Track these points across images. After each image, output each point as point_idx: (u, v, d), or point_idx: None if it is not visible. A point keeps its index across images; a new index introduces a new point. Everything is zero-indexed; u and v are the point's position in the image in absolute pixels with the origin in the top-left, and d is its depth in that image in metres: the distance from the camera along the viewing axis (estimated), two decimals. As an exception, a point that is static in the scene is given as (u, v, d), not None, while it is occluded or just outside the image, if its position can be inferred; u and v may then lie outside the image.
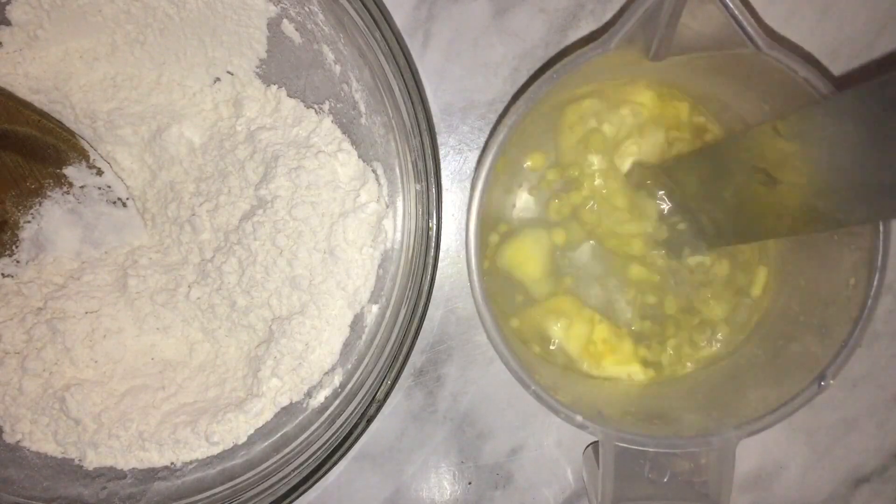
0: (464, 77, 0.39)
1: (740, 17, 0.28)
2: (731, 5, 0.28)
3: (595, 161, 0.36)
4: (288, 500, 0.33)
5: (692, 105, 0.36)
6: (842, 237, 0.31)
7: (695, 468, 0.31)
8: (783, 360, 0.33)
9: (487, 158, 0.30)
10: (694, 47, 0.29)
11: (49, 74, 0.35)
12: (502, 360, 0.31)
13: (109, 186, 0.36)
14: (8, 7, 0.34)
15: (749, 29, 0.28)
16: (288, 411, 0.36)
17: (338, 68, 0.36)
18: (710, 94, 0.36)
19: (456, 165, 0.39)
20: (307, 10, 0.35)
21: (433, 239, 0.33)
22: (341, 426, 0.34)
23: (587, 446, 0.39)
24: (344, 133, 0.36)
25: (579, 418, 0.30)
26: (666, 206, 0.36)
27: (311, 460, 0.33)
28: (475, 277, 0.31)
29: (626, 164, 0.36)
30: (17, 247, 0.36)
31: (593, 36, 0.39)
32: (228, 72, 0.37)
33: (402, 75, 0.32)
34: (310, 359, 0.36)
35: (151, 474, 0.36)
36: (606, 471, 0.31)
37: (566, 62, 0.30)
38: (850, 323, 0.30)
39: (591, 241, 0.36)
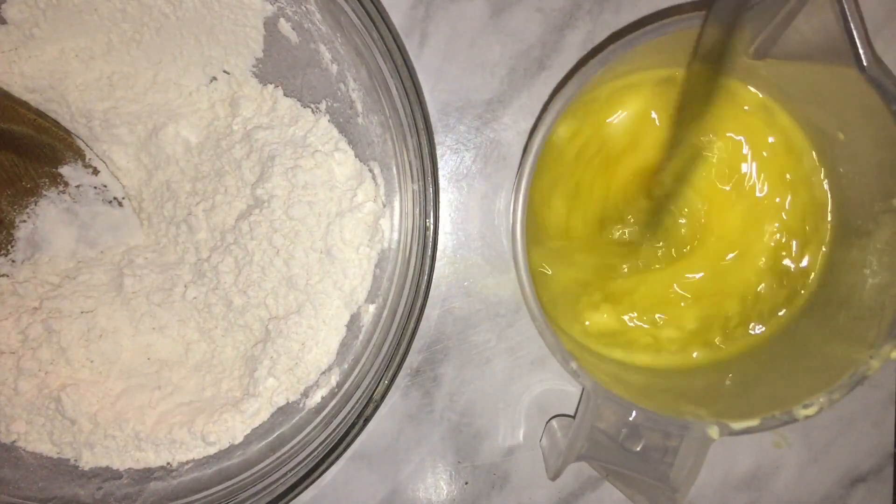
0: (461, 76, 0.39)
1: (854, 31, 0.25)
2: (849, 18, 0.25)
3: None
4: (284, 500, 0.33)
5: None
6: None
7: (668, 450, 0.30)
8: (806, 361, 0.33)
9: (538, 135, 0.29)
10: (795, 54, 0.27)
11: (45, 73, 0.35)
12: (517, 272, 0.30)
13: (105, 186, 0.36)
14: (3, 6, 0.34)
15: (859, 45, 0.25)
16: (284, 411, 0.36)
17: (335, 67, 0.36)
18: (788, 109, 0.34)
19: (453, 165, 0.39)
20: (304, 9, 0.35)
21: (430, 238, 0.33)
22: (338, 426, 0.34)
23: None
24: (341, 132, 0.36)
25: (574, 364, 0.30)
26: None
27: (307, 460, 0.33)
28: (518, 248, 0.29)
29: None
30: (12, 246, 0.36)
31: (592, 36, 0.38)
32: (225, 71, 0.37)
33: (399, 75, 0.32)
34: (306, 359, 0.36)
35: (147, 474, 0.36)
36: (582, 424, 0.30)
37: (641, 33, 0.27)
38: (883, 329, 0.29)
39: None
